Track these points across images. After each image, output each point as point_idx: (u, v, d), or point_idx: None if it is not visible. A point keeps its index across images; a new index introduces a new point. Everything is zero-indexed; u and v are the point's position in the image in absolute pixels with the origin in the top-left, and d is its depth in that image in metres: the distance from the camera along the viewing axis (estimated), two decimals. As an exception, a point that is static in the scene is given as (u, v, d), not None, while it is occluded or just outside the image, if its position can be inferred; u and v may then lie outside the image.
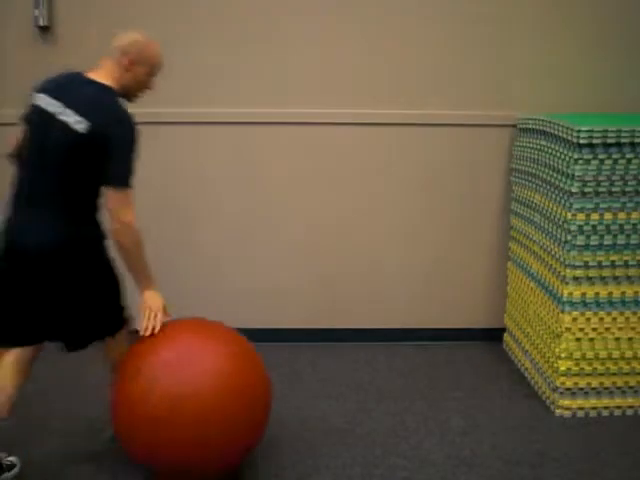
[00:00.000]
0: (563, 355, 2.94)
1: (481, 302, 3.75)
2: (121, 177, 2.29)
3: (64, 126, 2.27)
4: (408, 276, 3.70)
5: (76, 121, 2.26)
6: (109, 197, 2.28)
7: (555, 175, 3.00)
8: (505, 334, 3.69)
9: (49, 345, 2.44)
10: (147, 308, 2.40)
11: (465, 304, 3.74)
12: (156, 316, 2.38)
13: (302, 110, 3.53)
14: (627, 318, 2.93)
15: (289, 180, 3.60)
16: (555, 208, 3.00)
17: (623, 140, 2.79)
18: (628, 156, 2.82)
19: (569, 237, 2.88)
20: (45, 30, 3.44)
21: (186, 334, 2.34)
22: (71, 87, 2.35)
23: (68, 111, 2.29)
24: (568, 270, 2.90)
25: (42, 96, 2.35)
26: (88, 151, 2.27)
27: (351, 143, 3.58)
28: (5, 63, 3.49)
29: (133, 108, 3.40)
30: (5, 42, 3.46)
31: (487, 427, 2.90)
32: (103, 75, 2.39)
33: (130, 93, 2.46)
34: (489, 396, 3.15)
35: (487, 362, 3.53)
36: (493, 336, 3.75)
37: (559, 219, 2.96)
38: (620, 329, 2.94)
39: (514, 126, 3.54)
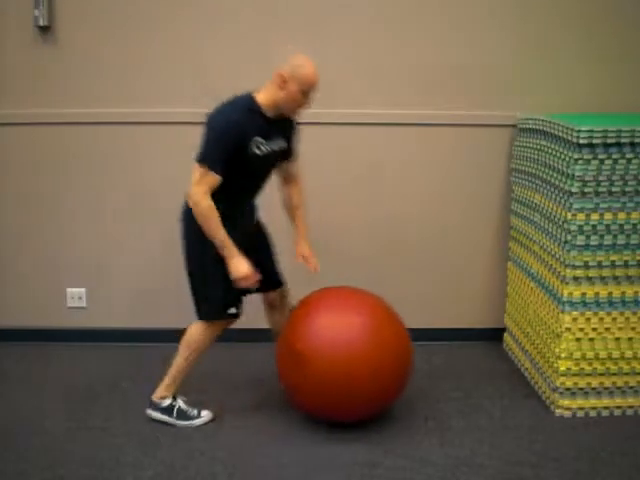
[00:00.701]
0: (563, 355, 2.94)
1: (481, 302, 3.75)
2: (198, 153, 2.64)
3: None
4: (408, 276, 3.70)
5: None
6: None
7: (555, 175, 3.00)
8: (505, 334, 3.69)
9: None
10: (234, 278, 2.70)
11: (465, 304, 3.74)
12: (244, 281, 2.70)
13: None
14: (627, 318, 2.93)
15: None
16: (555, 208, 3.00)
17: (623, 140, 2.79)
18: (628, 156, 2.82)
19: (569, 237, 2.88)
20: (45, 30, 3.44)
21: (343, 300, 2.87)
22: None
23: None
24: (568, 270, 2.89)
25: None
26: None
27: (351, 143, 3.58)
28: (5, 63, 3.49)
29: (142, 107, 3.37)
30: (5, 42, 3.46)
31: (487, 427, 2.89)
32: (261, 91, 2.72)
33: (286, 109, 2.73)
34: (489, 396, 3.15)
35: (487, 362, 3.53)
36: (493, 336, 3.74)
37: (559, 219, 2.96)
38: (620, 329, 2.94)
39: (514, 126, 3.54)
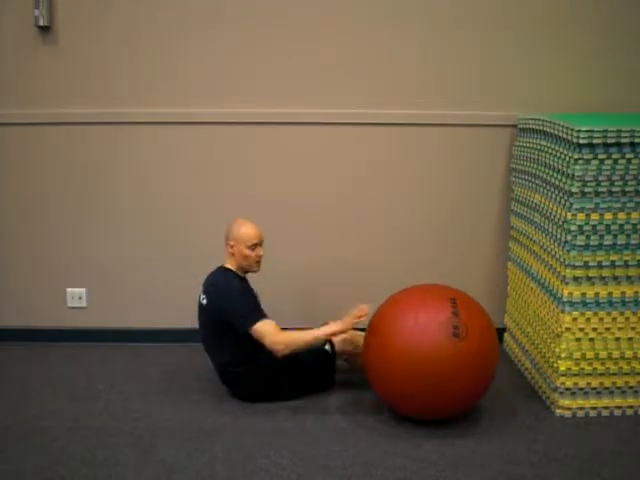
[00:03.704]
0: (563, 355, 2.94)
1: (481, 302, 3.72)
2: (244, 320, 2.90)
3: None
4: (408, 276, 3.69)
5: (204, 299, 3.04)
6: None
7: (555, 175, 3.00)
8: (505, 334, 3.69)
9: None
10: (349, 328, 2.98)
11: (465, 304, 3.73)
12: (354, 320, 2.92)
13: (303, 110, 3.53)
14: (627, 318, 2.93)
15: (285, 180, 3.60)
16: (555, 208, 2.99)
17: (623, 140, 2.79)
18: (628, 156, 2.82)
19: (569, 237, 2.87)
20: (45, 30, 3.44)
21: (420, 301, 2.94)
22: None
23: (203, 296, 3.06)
24: (568, 270, 2.89)
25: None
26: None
27: (350, 143, 3.58)
28: (5, 63, 3.49)
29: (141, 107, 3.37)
30: (5, 42, 3.46)
31: (487, 427, 2.89)
32: (226, 262, 3.06)
33: (246, 268, 3.05)
34: (489, 396, 3.14)
35: (487, 362, 3.52)
36: (493, 336, 3.74)
37: (559, 219, 2.95)
38: (620, 329, 2.94)
39: (514, 126, 3.54)
